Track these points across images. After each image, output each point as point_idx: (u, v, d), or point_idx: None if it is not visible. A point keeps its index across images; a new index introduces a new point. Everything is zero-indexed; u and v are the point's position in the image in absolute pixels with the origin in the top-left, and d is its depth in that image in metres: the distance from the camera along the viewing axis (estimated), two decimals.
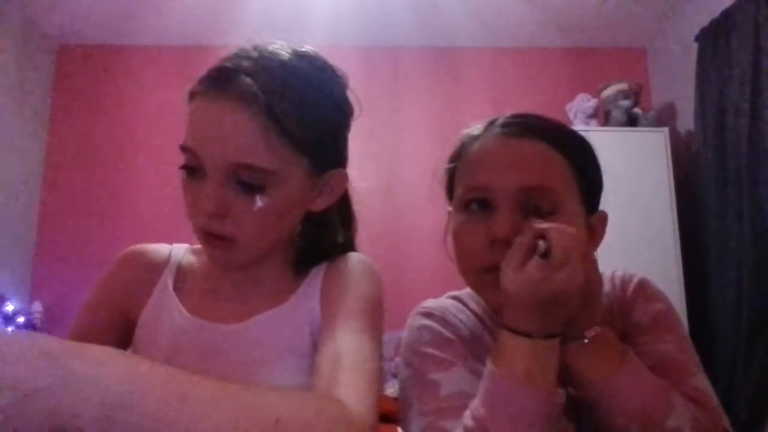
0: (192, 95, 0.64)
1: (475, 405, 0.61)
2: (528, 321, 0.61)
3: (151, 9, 3.07)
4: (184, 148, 0.64)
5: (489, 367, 0.62)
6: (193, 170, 0.64)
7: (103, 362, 0.41)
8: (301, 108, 0.64)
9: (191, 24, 3.11)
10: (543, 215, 0.67)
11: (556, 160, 0.71)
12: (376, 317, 0.68)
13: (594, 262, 0.68)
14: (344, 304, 0.67)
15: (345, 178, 0.73)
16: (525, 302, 0.61)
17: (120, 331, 0.74)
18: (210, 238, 0.65)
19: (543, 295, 0.60)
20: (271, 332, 0.70)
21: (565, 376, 0.67)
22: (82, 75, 3.45)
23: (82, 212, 3.29)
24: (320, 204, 0.72)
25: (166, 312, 0.72)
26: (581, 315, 0.65)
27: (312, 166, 0.67)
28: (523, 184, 0.68)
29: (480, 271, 0.70)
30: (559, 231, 0.61)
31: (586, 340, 0.66)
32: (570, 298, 0.60)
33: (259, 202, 0.63)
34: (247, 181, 0.62)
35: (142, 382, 0.41)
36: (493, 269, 0.66)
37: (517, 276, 0.61)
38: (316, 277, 0.74)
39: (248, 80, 0.61)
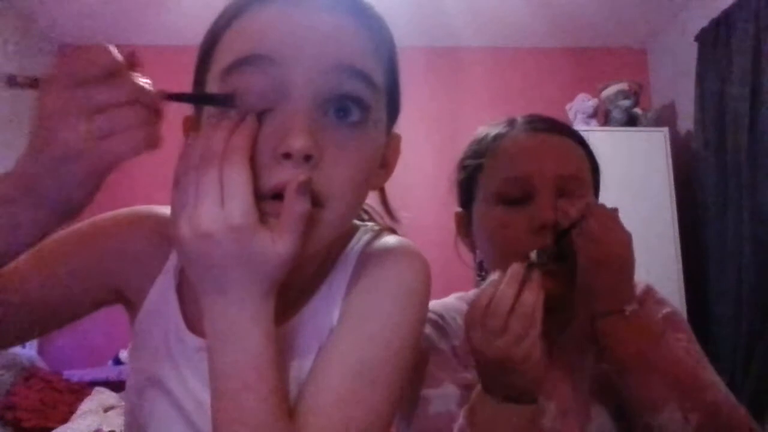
0: (249, 3, 0.50)
1: None
2: (487, 383, 0.63)
3: (151, 8, 3.07)
4: (243, 61, 0.46)
5: (462, 421, 0.63)
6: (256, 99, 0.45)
7: None
8: (385, 39, 0.53)
9: (192, 24, 3.10)
10: (575, 198, 0.71)
11: (580, 154, 0.77)
12: (397, 361, 0.52)
13: (629, 237, 0.69)
14: (358, 335, 0.51)
15: (399, 144, 0.59)
16: (478, 361, 0.62)
17: (88, 294, 0.58)
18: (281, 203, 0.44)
19: (485, 362, 0.60)
20: (294, 348, 0.54)
21: (599, 352, 0.69)
22: None
23: None
24: (380, 179, 0.59)
25: (165, 318, 0.57)
26: (619, 289, 0.67)
27: (388, 119, 0.55)
28: (561, 172, 0.72)
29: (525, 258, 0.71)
30: (494, 306, 0.60)
31: (627, 314, 0.67)
32: (513, 368, 0.59)
33: (356, 140, 0.48)
34: (352, 95, 0.47)
35: None
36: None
37: (475, 333, 0.61)
38: (344, 272, 0.56)
39: None
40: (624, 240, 0.68)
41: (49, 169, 0.39)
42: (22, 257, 0.51)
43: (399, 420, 0.74)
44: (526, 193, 0.72)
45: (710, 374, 0.72)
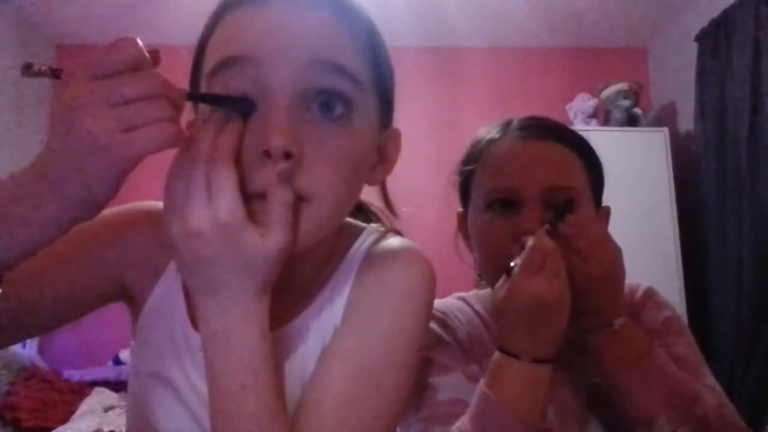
0: (227, 7, 0.50)
1: (465, 422, 0.63)
2: (515, 340, 0.63)
3: (150, 8, 3.06)
4: (222, 64, 0.47)
5: (481, 386, 0.64)
6: (235, 100, 0.45)
7: None
8: (365, 31, 0.53)
9: (191, 24, 3.10)
10: (564, 212, 0.71)
11: (573, 161, 0.75)
12: (402, 367, 0.52)
13: (619, 251, 0.70)
14: (361, 337, 0.51)
15: (399, 139, 0.59)
16: (509, 318, 0.63)
17: (93, 290, 0.57)
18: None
19: (521, 307, 0.62)
20: (297, 349, 0.54)
21: (591, 364, 0.69)
22: None
23: None
24: (378, 174, 0.58)
25: (170, 315, 0.57)
26: (608, 303, 0.68)
27: (379, 112, 0.54)
28: (549, 184, 0.72)
29: (507, 267, 0.71)
30: (530, 244, 0.65)
31: (616, 327, 0.68)
32: (549, 310, 0.62)
33: (340, 135, 0.47)
34: (332, 89, 0.47)
35: None
36: None
37: (500, 291, 0.64)
38: (348, 273, 0.56)
39: None
40: (614, 255, 0.68)
41: (73, 162, 0.38)
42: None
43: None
44: (512, 203, 0.73)
45: (706, 380, 0.72)
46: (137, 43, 0.39)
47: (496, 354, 0.65)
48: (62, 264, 0.55)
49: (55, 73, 0.39)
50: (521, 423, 0.60)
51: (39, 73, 0.39)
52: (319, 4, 0.49)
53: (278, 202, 0.43)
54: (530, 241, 0.65)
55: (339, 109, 0.47)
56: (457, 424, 0.63)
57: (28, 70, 0.39)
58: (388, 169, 0.58)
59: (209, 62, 0.49)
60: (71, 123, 0.37)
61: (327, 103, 0.47)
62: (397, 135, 0.58)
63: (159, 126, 0.38)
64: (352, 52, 0.49)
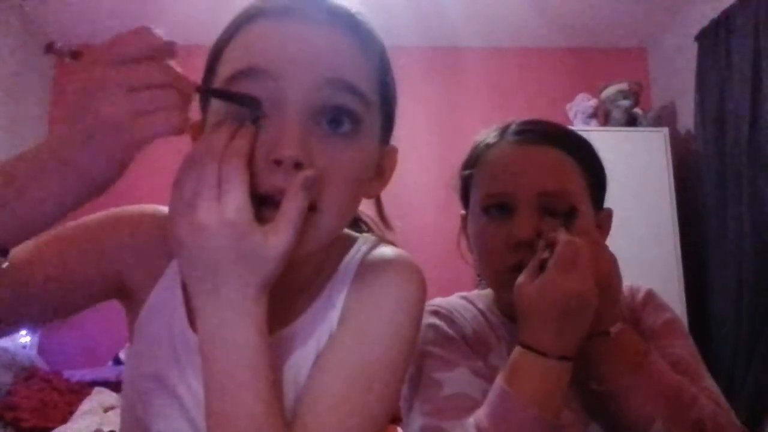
0: (250, 17, 0.52)
1: (481, 417, 0.62)
2: (544, 336, 0.63)
3: (151, 9, 3.07)
4: (241, 73, 0.48)
5: (500, 383, 0.63)
6: (251, 108, 0.47)
7: None
8: (377, 53, 0.55)
9: (191, 24, 3.11)
10: (560, 217, 0.71)
11: (569, 165, 0.75)
12: (391, 374, 0.53)
13: (614, 259, 0.70)
14: (356, 343, 0.53)
15: (396, 156, 0.61)
16: (541, 313, 0.63)
17: (90, 286, 0.58)
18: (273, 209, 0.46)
19: (557, 302, 0.62)
20: (292, 352, 0.55)
21: (587, 371, 0.69)
22: None
23: (81, 212, 3.28)
24: (375, 189, 0.60)
25: (169, 317, 0.57)
26: (604, 310, 0.68)
27: (381, 130, 0.57)
28: (543, 189, 0.72)
29: (503, 271, 0.72)
30: (564, 239, 0.65)
31: (611, 335, 0.68)
32: (582, 306, 0.62)
33: (346, 149, 0.50)
34: (344, 107, 0.49)
35: None
36: (516, 270, 0.69)
37: (531, 287, 0.64)
38: (344, 280, 0.58)
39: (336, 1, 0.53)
40: (609, 264, 0.69)
41: (84, 139, 0.40)
42: (31, 245, 0.52)
43: (404, 407, 0.74)
44: (506, 209, 0.73)
45: (705, 382, 0.73)
46: (155, 34, 0.41)
47: (518, 350, 0.64)
48: (64, 259, 0.55)
49: (74, 56, 0.42)
50: (544, 420, 0.60)
51: (60, 53, 0.42)
52: (339, 25, 0.52)
53: (294, 206, 0.44)
54: (562, 236, 0.65)
55: (347, 126, 0.50)
56: (471, 419, 0.63)
57: (50, 48, 0.42)
58: (384, 184, 0.60)
59: (227, 68, 0.50)
60: (86, 104, 0.39)
61: (337, 118, 0.49)
62: (394, 152, 0.61)
63: (167, 114, 0.40)
64: (365, 74, 0.52)
